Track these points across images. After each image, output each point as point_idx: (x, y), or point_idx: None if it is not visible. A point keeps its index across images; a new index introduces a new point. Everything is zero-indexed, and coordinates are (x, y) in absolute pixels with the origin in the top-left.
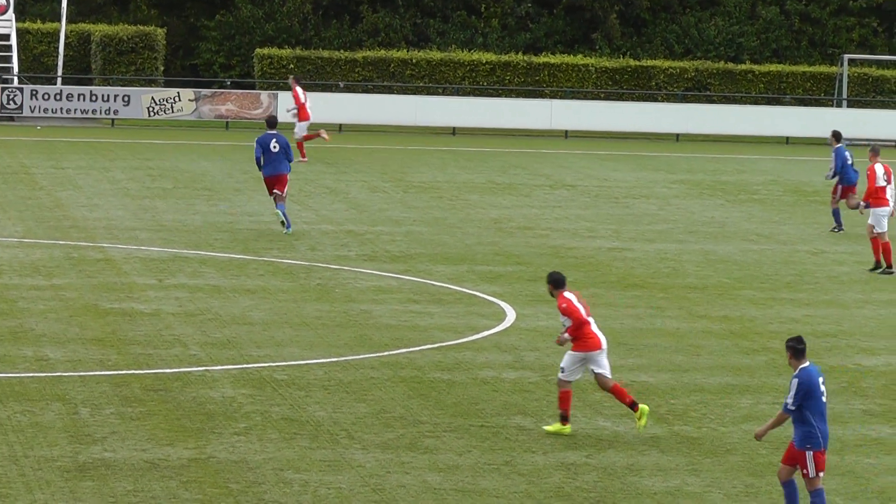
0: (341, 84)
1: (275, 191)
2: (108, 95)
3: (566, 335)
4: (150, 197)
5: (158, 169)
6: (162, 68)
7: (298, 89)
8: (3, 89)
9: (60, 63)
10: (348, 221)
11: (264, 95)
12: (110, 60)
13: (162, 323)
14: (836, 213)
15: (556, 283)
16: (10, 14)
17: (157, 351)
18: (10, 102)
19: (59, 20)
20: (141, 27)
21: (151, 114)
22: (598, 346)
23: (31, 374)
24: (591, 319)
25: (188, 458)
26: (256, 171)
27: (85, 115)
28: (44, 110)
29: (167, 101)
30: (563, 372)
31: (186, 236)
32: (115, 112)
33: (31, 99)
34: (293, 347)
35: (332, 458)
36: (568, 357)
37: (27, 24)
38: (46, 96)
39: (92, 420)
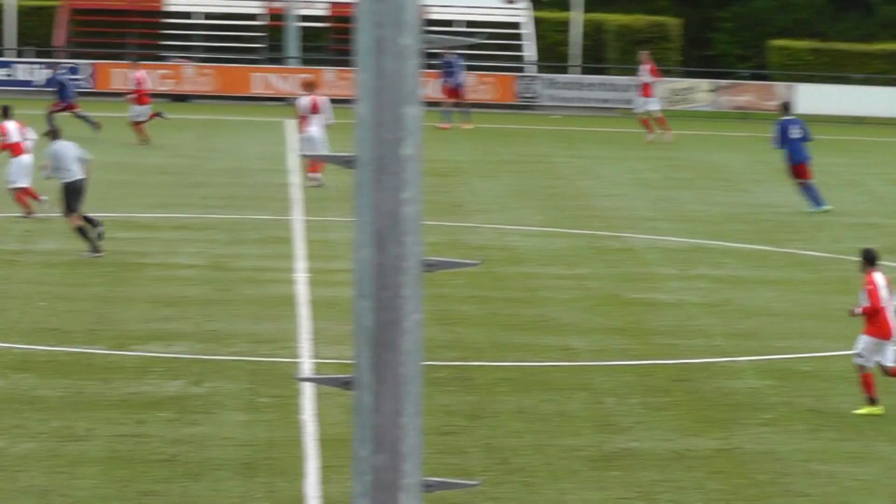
0: (858, 76)
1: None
2: (624, 85)
3: (859, 310)
4: (669, 187)
5: (676, 159)
6: (678, 59)
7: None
8: (519, 78)
9: (575, 52)
10: (869, 214)
11: (781, 87)
12: (625, 50)
13: (685, 313)
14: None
15: (869, 260)
16: (525, 2)
17: (680, 341)
18: (526, 91)
19: (573, 9)
20: (656, 17)
21: (669, 104)
22: (887, 336)
23: (555, 363)
24: (890, 307)
25: (714, 449)
26: (777, 161)
27: (601, 105)
28: (560, 99)
29: (684, 92)
30: (860, 357)
31: (706, 227)
32: (629, 101)
33: (548, 88)
34: (817, 339)
35: (858, 450)
36: (863, 341)
37: (541, 13)
38: (561, 85)
39: (617, 410)
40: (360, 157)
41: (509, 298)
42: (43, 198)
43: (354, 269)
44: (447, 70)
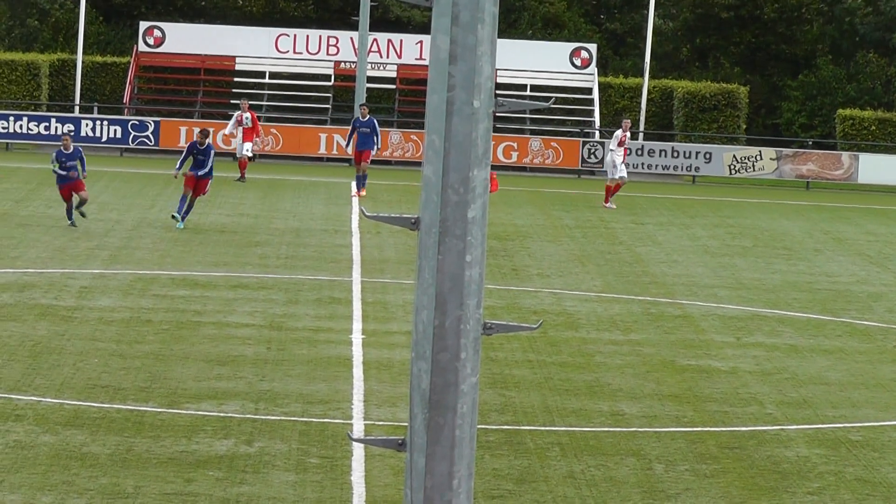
0: None
1: None
2: (690, 152)
3: None
4: (729, 255)
5: (738, 227)
6: (744, 126)
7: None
8: (585, 143)
9: (642, 118)
10: None
11: (845, 156)
12: (692, 117)
13: (738, 381)
14: None
15: None
16: (593, 68)
17: (732, 409)
18: (591, 156)
19: (642, 75)
20: (724, 84)
21: (732, 171)
22: None
23: (606, 429)
24: None
25: None
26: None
27: (666, 171)
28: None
29: (748, 160)
30: None
31: (764, 294)
32: (697, 168)
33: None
34: (869, 408)
35: None
36: None
37: (609, 79)
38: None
39: (666, 476)
40: (425, 219)
41: (563, 363)
42: None
43: (413, 331)
44: None
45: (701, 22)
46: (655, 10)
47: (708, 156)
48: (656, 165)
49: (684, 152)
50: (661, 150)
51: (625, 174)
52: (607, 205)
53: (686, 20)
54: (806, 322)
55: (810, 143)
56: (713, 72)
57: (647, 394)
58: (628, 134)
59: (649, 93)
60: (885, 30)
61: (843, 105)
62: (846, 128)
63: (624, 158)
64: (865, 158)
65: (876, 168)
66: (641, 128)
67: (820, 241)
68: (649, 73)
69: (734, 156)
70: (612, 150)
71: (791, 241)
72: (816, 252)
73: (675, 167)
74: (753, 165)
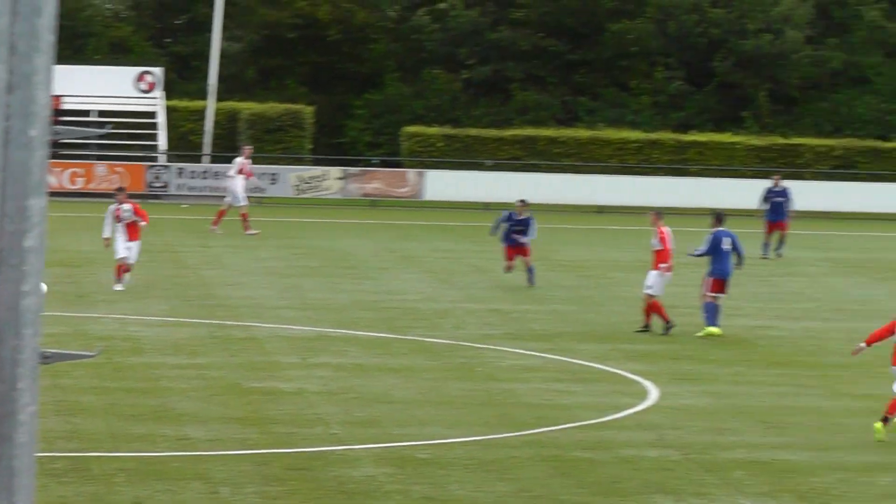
0: (489, 162)
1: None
2: (256, 173)
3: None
4: (296, 275)
5: (305, 247)
6: (310, 146)
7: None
8: (150, 167)
9: (209, 141)
10: (493, 300)
11: (411, 174)
12: (258, 138)
13: (305, 402)
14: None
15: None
16: (159, 91)
17: (298, 430)
18: (157, 181)
19: (207, 98)
20: (289, 105)
21: (298, 192)
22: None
23: (172, 453)
24: None
25: None
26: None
27: None
28: (190, 188)
29: (314, 180)
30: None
31: (331, 315)
32: (263, 190)
33: (178, 177)
34: (435, 426)
35: None
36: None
37: (174, 102)
38: (193, 174)
39: (232, 499)
40: None
41: (129, 388)
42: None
43: None
44: None
45: (266, 43)
46: (221, 32)
47: (274, 177)
48: (224, 188)
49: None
50: (226, 172)
51: (241, 201)
52: (249, 231)
53: (252, 42)
54: (373, 341)
55: (376, 161)
56: (279, 93)
57: (213, 417)
58: (249, 161)
59: (216, 115)
60: (452, 45)
61: (410, 122)
62: (412, 145)
63: (245, 184)
64: (432, 175)
65: (443, 184)
66: (208, 150)
67: (386, 260)
68: (216, 96)
69: (300, 176)
70: (231, 176)
71: (357, 260)
72: (383, 270)
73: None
74: (320, 185)
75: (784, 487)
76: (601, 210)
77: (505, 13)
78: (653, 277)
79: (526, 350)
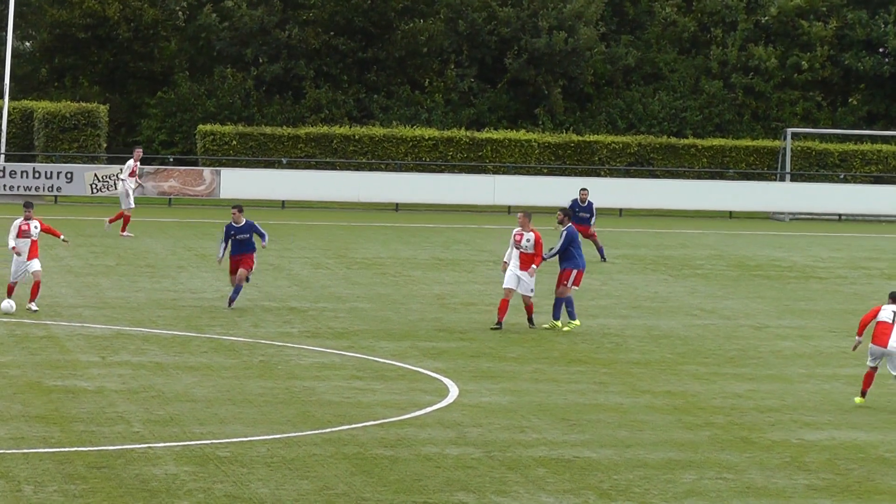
0: (284, 160)
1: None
2: (52, 172)
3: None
4: (94, 274)
5: (101, 246)
6: (105, 145)
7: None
8: None
9: (3, 140)
10: (291, 298)
11: (207, 172)
12: (53, 137)
13: (105, 400)
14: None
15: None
16: None
17: (100, 428)
18: None
19: (2, 97)
20: (83, 104)
21: (95, 191)
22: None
23: None
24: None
25: None
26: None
27: (28, 192)
28: None
29: (110, 178)
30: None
31: (129, 313)
32: (59, 189)
33: None
34: (236, 424)
35: None
36: None
37: None
38: None
39: (35, 497)
40: None
41: None
42: None
43: None
44: None
45: (59, 42)
46: (14, 31)
47: (70, 175)
48: (19, 187)
49: (46, 173)
50: (22, 172)
51: (132, 203)
52: (124, 234)
53: (44, 41)
54: (171, 339)
55: (171, 159)
56: (72, 92)
57: (14, 415)
58: (139, 163)
59: (9, 114)
60: (241, 44)
61: (204, 121)
62: (207, 143)
63: (135, 187)
64: (227, 173)
65: (238, 182)
66: (2, 149)
67: (184, 258)
68: (9, 95)
69: (96, 175)
70: (122, 179)
71: (155, 258)
72: (180, 269)
73: (38, 188)
74: (115, 184)
75: (586, 485)
76: (397, 208)
77: (294, 13)
78: (527, 278)
79: (325, 348)
